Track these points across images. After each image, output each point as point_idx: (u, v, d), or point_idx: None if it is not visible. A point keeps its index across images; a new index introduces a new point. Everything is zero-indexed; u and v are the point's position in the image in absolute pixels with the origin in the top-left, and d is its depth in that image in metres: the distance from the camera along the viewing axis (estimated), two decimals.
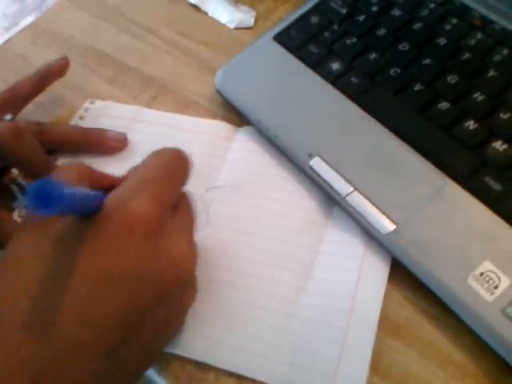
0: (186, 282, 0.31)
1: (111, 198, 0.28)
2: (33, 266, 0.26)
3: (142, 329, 0.28)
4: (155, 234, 0.28)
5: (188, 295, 0.34)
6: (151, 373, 0.36)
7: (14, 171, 0.44)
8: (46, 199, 0.20)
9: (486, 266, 0.35)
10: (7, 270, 0.27)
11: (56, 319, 0.25)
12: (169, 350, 0.35)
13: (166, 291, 0.29)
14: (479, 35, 0.45)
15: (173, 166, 0.32)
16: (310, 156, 0.41)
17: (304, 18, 0.49)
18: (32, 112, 0.48)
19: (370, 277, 0.37)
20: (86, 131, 0.45)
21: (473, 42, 0.45)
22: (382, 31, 0.47)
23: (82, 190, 0.27)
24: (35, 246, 0.27)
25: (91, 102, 0.48)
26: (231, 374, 0.35)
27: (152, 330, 0.29)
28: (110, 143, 0.45)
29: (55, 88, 0.48)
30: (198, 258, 0.32)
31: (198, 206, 0.41)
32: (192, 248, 0.31)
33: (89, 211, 0.27)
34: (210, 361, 0.35)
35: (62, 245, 0.27)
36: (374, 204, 0.38)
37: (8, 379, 0.24)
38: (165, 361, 0.36)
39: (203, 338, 0.36)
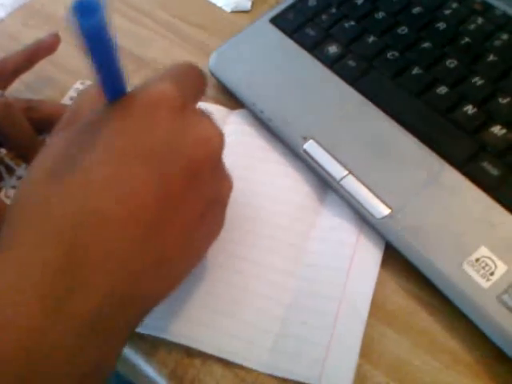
0: (215, 163, 0.30)
1: (136, 87, 0.28)
2: (56, 147, 0.26)
3: (176, 214, 0.27)
4: (180, 114, 0.27)
5: (223, 183, 0.32)
6: (137, 357, 0.35)
7: (2, 151, 0.43)
8: (87, 6, 0.21)
9: (482, 251, 0.34)
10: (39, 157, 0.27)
11: (82, 194, 0.24)
12: (156, 334, 0.35)
13: (197, 168, 0.27)
14: (479, 20, 0.44)
15: (191, 71, 0.31)
16: (305, 139, 0.40)
17: (301, 0, 0.48)
18: (22, 92, 0.47)
19: (363, 263, 0.36)
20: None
21: (473, 26, 0.44)
22: (380, 15, 0.46)
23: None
24: (60, 135, 0.27)
25: (82, 83, 0.48)
26: (218, 359, 0.34)
27: (188, 216, 0.28)
28: None
29: (46, 69, 0.47)
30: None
31: None
32: (219, 130, 0.30)
33: (114, 93, 0.26)
34: (197, 345, 0.34)
35: (89, 128, 0.26)
36: (368, 188, 0.38)
37: (37, 249, 0.23)
38: (151, 346, 0.35)
39: (190, 322, 0.35)
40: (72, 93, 0.47)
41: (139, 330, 0.35)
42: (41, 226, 0.24)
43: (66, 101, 0.47)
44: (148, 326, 0.34)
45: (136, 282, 0.26)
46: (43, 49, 0.46)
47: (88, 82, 0.48)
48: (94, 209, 0.24)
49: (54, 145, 0.27)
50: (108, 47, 0.23)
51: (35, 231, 0.24)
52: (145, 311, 0.29)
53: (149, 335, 0.35)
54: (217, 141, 0.29)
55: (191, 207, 0.28)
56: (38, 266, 0.23)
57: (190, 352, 0.35)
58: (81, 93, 0.30)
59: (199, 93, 0.32)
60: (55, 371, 0.23)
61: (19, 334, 0.22)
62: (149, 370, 0.35)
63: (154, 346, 0.35)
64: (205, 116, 0.30)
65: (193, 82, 0.31)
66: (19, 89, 0.46)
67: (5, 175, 0.43)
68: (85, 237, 0.24)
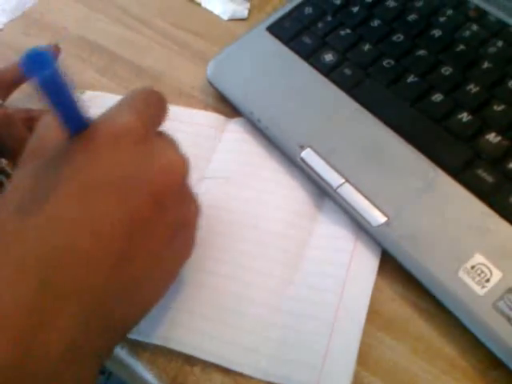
0: (179, 188, 0.30)
1: (98, 119, 0.28)
2: (23, 183, 0.26)
3: (144, 240, 0.27)
4: (143, 141, 0.28)
5: (191, 205, 0.33)
6: (137, 365, 0.35)
7: (3, 161, 0.44)
8: (37, 61, 0.22)
9: (478, 259, 0.35)
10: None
11: (50, 230, 0.24)
12: (156, 342, 0.35)
13: (163, 194, 0.28)
14: (474, 27, 0.45)
15: (152, 97, 0.32)
16: (302, 147, 0.41)
17: (298, 9, 0.49)
18: (21, 101, 0.47)
19: (359, 270, 0.37)
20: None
21: (467, 33, 0.44)
22: (376, 22, 0.46)
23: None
24: (27, 168, 0.27)
25: (81, 93, 0.48)
26: (218, 367, 0.34)
27: (157, 244, 0.28)
28: None
29: None
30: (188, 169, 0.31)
31: None
32: (182, 156, 0.30)
33: (76, 128, 0.27)
34: (197, 353, 0.35)
35: (54, 162, 0.26)
36: (365, 196, 0.38)
37: (8, 284, 0.23)
38: (152, 354, 0.36)
39: (190, 330, 0.35)
40: None
41: (140, 338, 0.35)
42: (10, 263, 0.24)
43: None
44: (149, 335, 0.35)
45: (109, 311, 0.26)
46: None
47: (87, 92, 0.48)
48: (63, 244, 0.24)
49: (20, 180, 0.27)
50: (63, 91, 0.24)
51: (5, 267, 0.23)
52: (120, 336, 0.29)
53: (149, 344, 0.35)
54: (179, 166, 0.30)
55: (158, 233, 0.28)
56: (9, 303, 0.23)
57: (190, 360, 0.35)
58: (43, 123, 0.30)
59: (161, 117, 0.32)
60: None
61: None
62: (149, 377, 0.35)
63: (154, 354, 0.36)
64: (166, 141, 0.31)
65: (154, 108, 0.31)
66: (19, 97, 0.46)
67: (6, 184, 0.43)
68: (55, 272, 0.24)
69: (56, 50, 0.46)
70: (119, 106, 0.30)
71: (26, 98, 0.48)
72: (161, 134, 0.32)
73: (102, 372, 0.81)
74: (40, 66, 0.22)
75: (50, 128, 0.29)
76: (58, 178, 0.26)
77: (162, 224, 0.28)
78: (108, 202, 0.26)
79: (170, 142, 0.31)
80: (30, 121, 0.41)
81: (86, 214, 0.25)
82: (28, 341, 0.22)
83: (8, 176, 0.44)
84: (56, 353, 0.23)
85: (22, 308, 0.23)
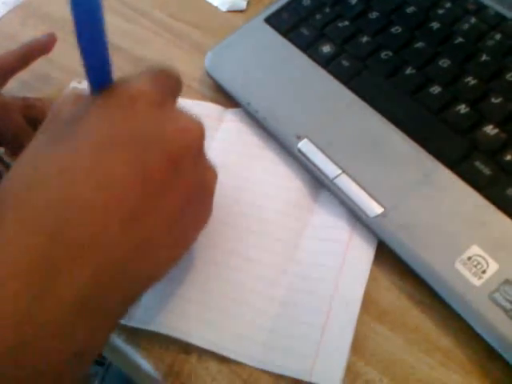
0: (196, 151, 0.30)
1: (117, 81, 0.28)
2: (40, 140, 0.27)
3: (158, 200, 0.27)
4: (159, 106, 0.28)
5: (206, 174, 0.32)
6: (134, 354, 0.36)
7: (1, 150, 0.44)
8: None
9: (474, 250, 0.35)
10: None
11: (63, 181, 0.25)
12: (152, 329, 0.35)
13: (178, 157, 0.28)
14: (472, 20, 0.45)
15: (168, 73, 0.32)
16: (299, 138, 0.41)
17: (296, 0, 0.49)
18: (19, 90, 0.47)
19: (355, 261, 0.37)
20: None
21: (466, 26, 0.44)
22: (374, 14, 0.46)
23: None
24: (43, 130, 0.28)
25: (79, 82, 0.48)
26: (214, 355, 0.35)
27: (170, 205, 0.28)
28: None
29: (43, 66, 0.48)
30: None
31: None
32: (199, 121, 0.30)
33: (99, 82, 0.27)
34: (193, 340, 0.35)
35: (72, 118, 0.27)
36: (362, 187, 0.38)
37: (20, 236, 0.23)
38: (148, 342, 0.36)
39: (186, 317, 0.35)
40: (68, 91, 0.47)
41: (136, 324, 0.35)
42: (23, 213, 0.24)
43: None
44: (144, 321, 0.35)
45: (121, 266, 0.26)
46: (39, 48, 0.46)
47: (84, 82, 0.48)
48: (76, 196, 0.24)
49: (38, 137, 0.27)
50: (98, 30, 0.24)
51: (18, 218, 0.24)
52: (132, 296, 0.29)
53: (146, 331, 0.35)
54: (197, 130, 0.29)
55: (173, 194, 0.28)
56: (22, 252, 0.23)
57: (186, 348, 0.35)
58: (62, 95, 0.30)
59: (176, 93, 0.32)
60: (45, 346, 0.23)
61: (5, 314, 0.22)
62: (146, 365, 0.35)
63: (151, 341, 0.36)
64: (184, 112, 0.30)
65: (170, 83, 0.31)
66: (16, 87, 0.46)
67: (4, 173, 0.43)
68: (67, 223, 0.24)
69: (52, 39, 0.46)
70: (139, 74, 0.30)
71: (22, 86, 0.48)
72: (177, 106, 0.32)
73: (101, 363, 0.81)
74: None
75: (68, 99, 0.29)
76: (73, 133, 0.26)
77: (177, 186, 0.28)
78: (122, 158, 0.26)
79: (186, 112, 0.31)
80: (26, 109, 0.41)
81: (98, 168, 0.25)
82: (39, 289, 0.23)
83: (5, 164, 0.44)
84: (67, 304, 0.23)
85: (33, 256, 0.23)
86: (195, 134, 0.29)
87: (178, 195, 0.28)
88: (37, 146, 0.27)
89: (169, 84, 0.31)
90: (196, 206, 0.31)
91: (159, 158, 0.27)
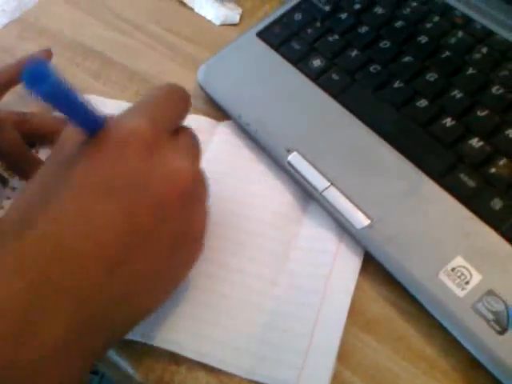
0: (187, 198, 0.30)
1: (111, 120, 0.28)
2: (34, 182, 0.28)
3: (143, 249, 0.27)
4: (151, 150, 0.28)
5: (196, 218, 0.32)
6: (125, 364, 0.36)
7: None
8: (37, 76, 0.22)
9: (458, 261, 0.35)
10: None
11: (51, 229, 0.25)
12: (143, 340, 0.36)
13: (165, 205, 0.28)
14: (460, 33, 0.45)
15: (172, 96, 0.32)
16: (289, 151, 0.41)
17: (287, 15, 0.49)
18: (14, 103, 0.48)
19: (342, 272, 0.37)
20: (67, 121, 0.45)
21: (453, 40, 0.45)
22: (363, 29, 0.47)
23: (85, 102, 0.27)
24: (42, 170, 0.28)
25: None
26: (203, 367, 0.35)
27: (157, 252, 0.28)
28: None
29: None
30: (203, 184, 0.32)
31: None
32: (192, 166, 0.30)
33: (91, 128, 0.28)
34: (182, 352, 0.35)
35: (65, 163, 0.27)
36: (349, 199, 0.39)
37: (6, 279, 0.24)
38: (139, 353, 0.36)
39: (176, 329, 0.36)
40: None
41: (128, 336, 0.36)
42: (9, 257, 0.24)
43: (57, 113, 0.47)
44: (136, 333, 0.36)
45: (104, 311, 0.27)
46: None
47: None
48: (62, 243, 0.25)
49: (35, 178, 0.28)
50: (69, 98, 0.25)
51: (3, 261, 0.24)
52: (112, 340, 0.30)
53: (136, 342, 0.36)
54: (183, 175, 0.29)
55: (160, 241, 0.28)
56: (5, 296, 0.23)
57: (176, 359, 0.36)
58: (65, 130, 0.30)
59: (181, 115, 0.33)
60: None
61: None
62: (136, 376, 0.36)
63: (142, 352, 0.36)
64: (180, 146, 0.31)
65: (173, 106, 0.32)
66: (12, 100, 0.47)
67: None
68: (51, 269, 0.24)
69: (48, 55, 0.47)
70: (134, 107, 0.30)
71: (18, 99, 0.48)
72: (179, 133, 0.32)
73: (96, 372, 0.81)
74: (40, 79, 0.22)
75: (70, 134, 0.29)
76: (65, 179, 0.26)
77: (165, 232, 0.28)
78: (108, 207, 0.26)
79: (183, 147, 0.31)
80: (21, 124, 0.42)
81: (86, 216, 0.26)
82: (21, 334, 0.23)
83: (1, 178, 0.44)
84: (48, 348, 0.24)
85: (17, 302, 0.23)
86: (185, 179, 0.29)
87: (165, 242, 0.29)
88: (32, 190, 0.27)
89: (171, 112, 0.31)
90: (184, 250, 0.31)
91: (147, 205, 0.27)
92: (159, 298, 0.32)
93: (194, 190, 0.30)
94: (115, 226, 0.26)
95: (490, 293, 0.34)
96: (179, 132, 0.32)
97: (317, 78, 0.45)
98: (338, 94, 0.44)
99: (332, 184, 0.39)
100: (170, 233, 0.29)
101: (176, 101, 0.32)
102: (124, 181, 0.27)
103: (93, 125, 0.28)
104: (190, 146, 0.33)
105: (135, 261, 0.27)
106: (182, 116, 0.33)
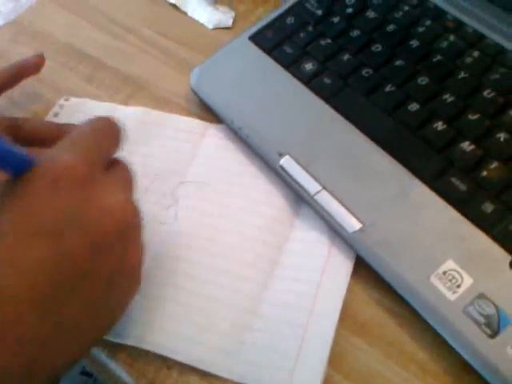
0: (123, 232, 0.29)
1: (42, 157, 0.28)
2: None
3: (75, 288, 0.27)
4: (83, 186, 0.28)
5: (133, 251, 0.31)
6: (116, 368, 0.36)
7: None
8: None
9: (450, 265, 0.35)
10: None
11: None
12: (132, 344, 0.36)
13: (100, 240, 0.28)
14: (451, 37, 0.46)
15: (103, 130, 0.32)
16: (281, 155, 0.41)
17: (280, 18, 0.50)
18: (7, 108, 0.48)
19: (333, 275, 0.37)
20: (60, 126, 0.45)
21: (445, 44, 0.45)
22: (355, 33, 0.47)
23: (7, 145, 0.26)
24: None
25: (66, 99, 0.49)
26: (194, 371, 0.35)
27: (93, 287, 0.28)
28: None
29: (32, 85, 0.48)
30: (138, 217, 0.31)
31: (168, 201, 0.41)
32: (127, 200, 0.30)
33: (18, 169, 0.27)
34: (173, 355, 0.35)
35: None
36: (341, 203, 0.39)
37: None
38: (131, 357, 0.36)
39: (166, 332, 0.36)
40: (57, 109, 0.48)
41: (116, 340, 0.36)
42: None
43: (50, 117, 0.48)
44: (125, 336, 0.36)
45: (37, 355, 0.26)
46: (28, 68, 0.46)
47: (72, 99, 0.49)
48: None
49: None
50: None
51: None
52: (49, 379, 0.29)
53: (128, 346, 0.36)
54: (124, 209, 0.29)
55: (94, 277, 0.28)
56: None
57: (168, 363, 0.36)
58: None
59: (113, 148, 0.32)
60: None
61: None
62: (128, 380, 0.36)
63: (133, 357, 0.36)
64: (114, 180, 0.30)
65: (104, 140, 0.31)
66: (4, 104, 0.47)
67: None
68: None
69: (41, 60, 0.47)
70: (64, 143, 0.30)
71: (10, 103, 0.48)
72: (112, 166, 0.32)
73: (90, 375, 0.81)
74: None
75: None
76: None
77: (99, 269, 0.28)
78: (39, 248, 0.26)
79: (117, 180, 0.31)
80: (12, 129, 0.42)
81: (16, 258, 0.25)
82: None
83: None
84: None
85: None
86: (120, 212, 0.29)
87: (99, 278, 0.28)
88: None
89: (102, 146, 0.31)
90: (121, 284, 0.31)
91: (82, 244, 0.27)
92: (98, 333, 0.31)
93: (130, 224, 0.30)
94: (46, 266, 0.26)
95: (482, 296, 0.34)
96: (112, 165, 0.32)
97: (309, 81, 0.45)
98: (330, 97, 0.44)
99: (324, 188, 0.39)
100: (107, 269, 0.29)
101: (107, 134, 0.32)
102: (56, 220, 0.26)
103: (21, 165, 0.27)
104: (124, 178, 0.32)
105: (69, 298, 0.27)
106: (114, 149, 0.32)
